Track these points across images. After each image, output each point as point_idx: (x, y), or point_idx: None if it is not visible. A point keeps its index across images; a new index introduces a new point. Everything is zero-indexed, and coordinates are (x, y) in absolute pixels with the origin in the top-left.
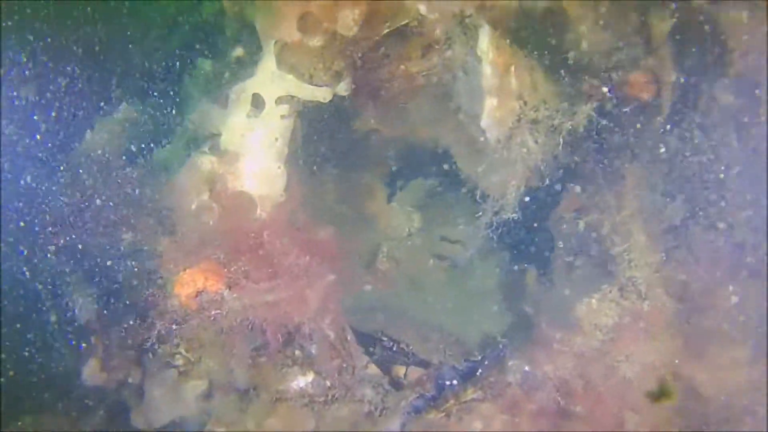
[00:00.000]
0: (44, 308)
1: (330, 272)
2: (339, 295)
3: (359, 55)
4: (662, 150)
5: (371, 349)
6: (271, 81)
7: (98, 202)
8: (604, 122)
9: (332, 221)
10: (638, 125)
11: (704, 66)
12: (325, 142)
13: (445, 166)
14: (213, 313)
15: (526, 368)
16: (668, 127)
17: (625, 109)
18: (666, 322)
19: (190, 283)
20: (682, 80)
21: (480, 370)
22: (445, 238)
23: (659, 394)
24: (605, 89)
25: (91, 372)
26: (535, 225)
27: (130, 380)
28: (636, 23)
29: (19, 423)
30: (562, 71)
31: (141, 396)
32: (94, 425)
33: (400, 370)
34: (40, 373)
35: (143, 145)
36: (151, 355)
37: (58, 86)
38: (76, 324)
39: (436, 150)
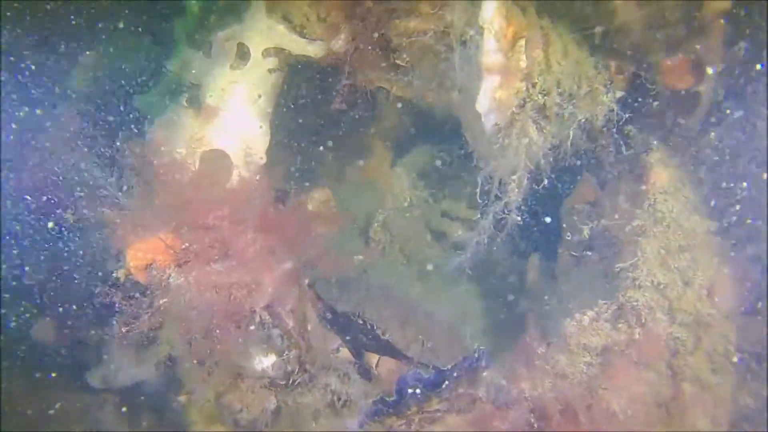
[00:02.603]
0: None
1: (289, 258)
2: (300, 281)
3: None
4: (693, 151)
5: (345, 332)
6: (259, 30)
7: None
8: (627, 115)
9: (326, 183)
10: (668, 120)
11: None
12: (317, 100)
13: (454, 137)
14: (159, 293)
15: (503, 381)
16: (704, 125)
17: (655, 101)
18: (663, 353)
19: (140, 257)
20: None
21: (446, 383)
22: (446, 215)
23: None
24: (635, 75)
25: (41, 330)
26: (547, 215)
27: (87, 341)
28: None
29: None
30: (586, 50)
31: (99, 356)
32: (49, 382)
33: (373, 359)
34: None
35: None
36: (111, 319)
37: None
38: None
39: (449, 118)
